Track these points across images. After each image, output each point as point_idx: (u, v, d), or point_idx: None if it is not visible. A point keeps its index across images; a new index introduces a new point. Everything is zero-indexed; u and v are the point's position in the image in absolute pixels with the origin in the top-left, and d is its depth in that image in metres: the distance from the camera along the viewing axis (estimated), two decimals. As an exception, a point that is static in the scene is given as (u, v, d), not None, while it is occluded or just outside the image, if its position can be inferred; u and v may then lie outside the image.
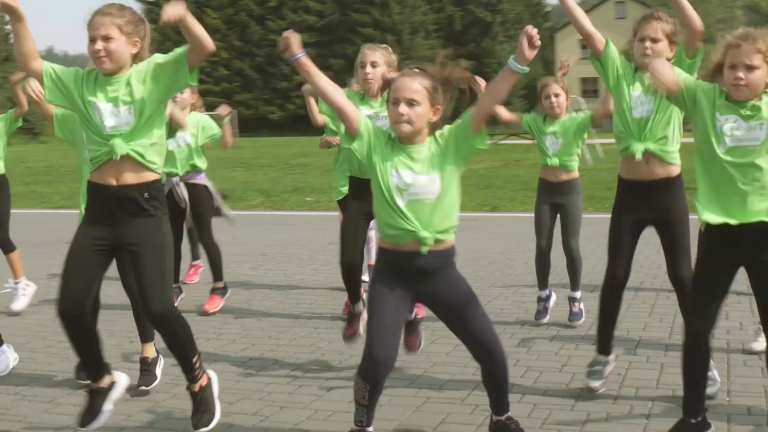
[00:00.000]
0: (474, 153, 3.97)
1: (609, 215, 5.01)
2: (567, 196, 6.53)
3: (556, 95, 6.47)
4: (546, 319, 6.62)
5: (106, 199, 4.10)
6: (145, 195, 4.09)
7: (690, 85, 4.03)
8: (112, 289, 6.16)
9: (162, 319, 4.13)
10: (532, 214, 6.79)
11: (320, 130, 7.32)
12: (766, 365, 4.63)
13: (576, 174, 6.60)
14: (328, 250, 10.06)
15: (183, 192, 7.13)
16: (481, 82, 5.11)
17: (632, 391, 4.98)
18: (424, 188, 3.87)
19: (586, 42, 4.83)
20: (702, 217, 3.96)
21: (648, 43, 4.78)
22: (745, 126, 3.90)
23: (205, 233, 7.23)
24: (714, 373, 4.74)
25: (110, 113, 4.04)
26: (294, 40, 3.86)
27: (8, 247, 7.52)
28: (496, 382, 4.09)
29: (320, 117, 6.93)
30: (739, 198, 3.91)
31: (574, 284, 6.59)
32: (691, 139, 4.13)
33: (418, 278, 3.93)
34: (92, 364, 4.36)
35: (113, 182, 4.08)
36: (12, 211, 7.59)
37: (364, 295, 5.82)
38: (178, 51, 4.05)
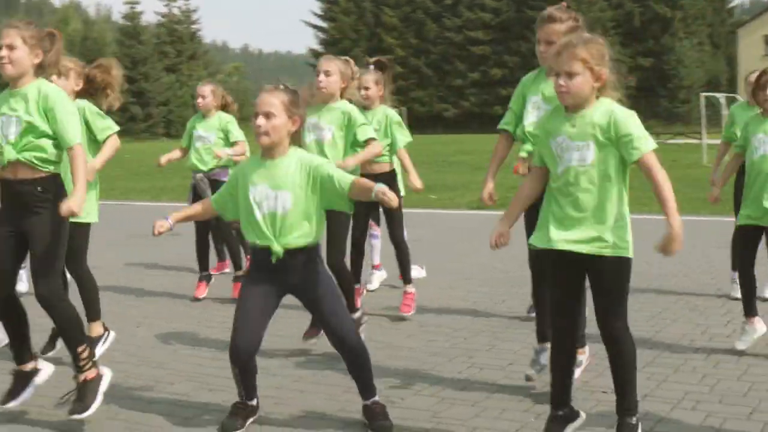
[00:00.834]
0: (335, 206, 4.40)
1: None
2: None
3: None
4: None
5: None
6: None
7: None
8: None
9: (44, 301, 4.54)
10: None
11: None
12: None
13: None
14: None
15: (206, 188, 7.69)
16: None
17: None
18: (275, 202, 4.31)
19: None
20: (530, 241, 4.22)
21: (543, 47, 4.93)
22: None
23: (224, 226, 7.61)
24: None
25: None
26: (158, 226, 4.42)
27: None
28: (354, 368, 4.51)
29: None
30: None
31: None
32: None
33: (281, 273, 4.37)
34: (18, 346, 4.73)
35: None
36: None
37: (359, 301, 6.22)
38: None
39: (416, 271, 7.93)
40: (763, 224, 5.73)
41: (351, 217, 6.04)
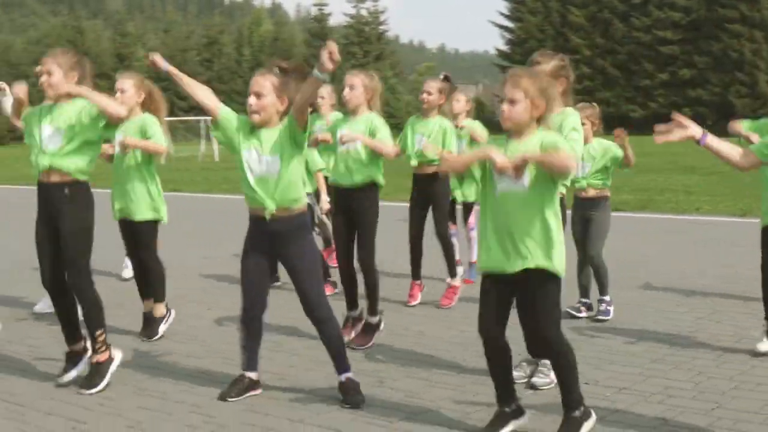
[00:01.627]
0: (304, 142, 4.82)
1: None
2: None
3: None
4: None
5: None
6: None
7: None
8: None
9: (74, 287, 5.42)
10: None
11: None
12: None
13: None
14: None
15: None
16: None
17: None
18: (267, 166, 4.84)
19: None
20: None
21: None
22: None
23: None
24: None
25: None
26: (157, 59, 5.04)
27: None
28: (327, 343, 5.06)
29: None
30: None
31: None
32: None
33: (272, 241, 4.93)
34: (68, 328, 5.61)
35: None
36: None
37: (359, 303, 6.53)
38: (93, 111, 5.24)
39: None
40: None
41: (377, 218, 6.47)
